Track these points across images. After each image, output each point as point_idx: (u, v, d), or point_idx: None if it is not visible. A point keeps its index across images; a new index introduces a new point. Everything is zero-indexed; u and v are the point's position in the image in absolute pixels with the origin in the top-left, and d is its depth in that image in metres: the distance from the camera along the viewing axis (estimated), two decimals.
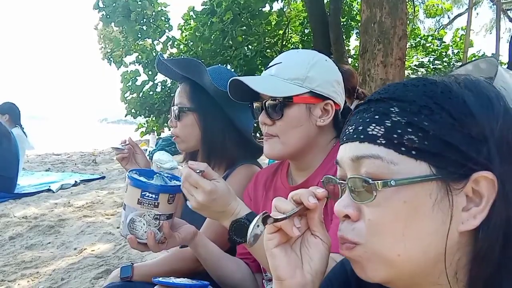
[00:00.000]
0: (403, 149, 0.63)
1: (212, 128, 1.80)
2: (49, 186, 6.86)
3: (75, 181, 7.43)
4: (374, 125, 0.66)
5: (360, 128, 0.67)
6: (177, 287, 1.34)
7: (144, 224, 1.29)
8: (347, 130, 0.71)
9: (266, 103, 1.34)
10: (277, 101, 1.32)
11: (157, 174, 1.42)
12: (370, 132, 0.66)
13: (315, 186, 0.78)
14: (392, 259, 0.65)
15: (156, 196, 1.27)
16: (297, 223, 0.76)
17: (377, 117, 0.66)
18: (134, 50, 14.77)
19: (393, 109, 0.65)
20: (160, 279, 1.36)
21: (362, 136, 0.66)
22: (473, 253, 0.63)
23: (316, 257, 0.77)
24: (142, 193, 1.27)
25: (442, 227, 0.63)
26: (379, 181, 0.63)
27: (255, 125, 1.91)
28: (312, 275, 0.77)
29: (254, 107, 1.43)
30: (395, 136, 0.64)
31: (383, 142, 0.64)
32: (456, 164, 0.62)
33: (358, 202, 0.67)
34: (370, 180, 0.64)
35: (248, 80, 1.33)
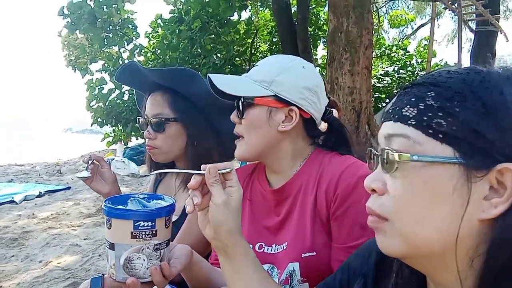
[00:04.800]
0: (430, 131, 0.65)
1: (199, 137, 1.77)
2: (12, 198, 6.66)
3: (39, 192, 7.24)
4: (408, 106, 0.69)
5: (397, 108, 0.71)
6: None
7: (144, 260, 1.10)
8: (387, 110, 0.75)
9: (238, 102, 1.35)
10: (243, 101, 1.33)
11: (131, 198, 1.27)
12: (404, 113, 0.69)
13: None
14: (410, 237, 0.67)
15: (153, 223, 1.10)
16: (196, 200, 1.00)
17: (413, 99, 0.69)
18: (100, 57, 14.55)
19: (429, 93, 0.68)
20: None
21: (396, 116, 0.70)
22: (489, 242, 0.64)
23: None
24: (136, 224, 1.08)
25: (460, 213, 0.64)
26: (401, 153, 0.66)
27: None
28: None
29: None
30: (425, 118, 0.66)
31: (413, 123, 0.67)
32: (481, 152, 0.63)
33: (384, 173, 0.70)
34: (393, 150, 0.68)
35: (214, 77, 1.35)
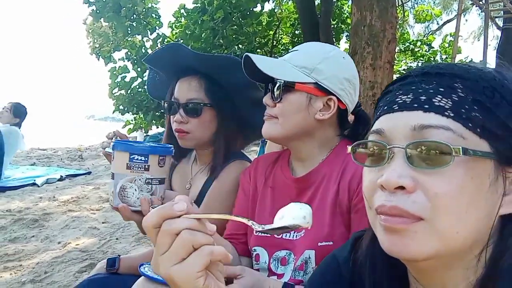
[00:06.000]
0: (470, 124, 0.62)
1: (228, 124, 1.79)
2: (34, 180, 6.79)
3: (61, 176, 7.37)
4: (440, 97, 0.63)
5: (423, 98, 0.64)
6: (162, 284, 1.26)
7: (135, 190, 1.24)
8: (398, 99, 0.67)
9: (271, 85, 1.36)
10: (281, 84, 1.33)
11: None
12: (437, 103, 0.63)
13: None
14: (449, 237, 0.62)
15: (146, 159, 1.23)
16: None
17: (441, 89, 0.64)
18: (123, 46, 14.67)
19: (457, 85, 0.64)
20: (146, 268, 1.35)
21: (426, 106, 0.64)
22: (500, 239, 0.63)
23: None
24: (131, 157, 1.22)
25: (493, 210, 0.63)
26: (459, 147, 0.59)
27: None
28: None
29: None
30: (462, 110, 0.62)
31: (451, 115, 0.62)
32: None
33: (414, 168, 0.62)
34: (450, 145, 0.60)
35: (256, 58, 1.34)
